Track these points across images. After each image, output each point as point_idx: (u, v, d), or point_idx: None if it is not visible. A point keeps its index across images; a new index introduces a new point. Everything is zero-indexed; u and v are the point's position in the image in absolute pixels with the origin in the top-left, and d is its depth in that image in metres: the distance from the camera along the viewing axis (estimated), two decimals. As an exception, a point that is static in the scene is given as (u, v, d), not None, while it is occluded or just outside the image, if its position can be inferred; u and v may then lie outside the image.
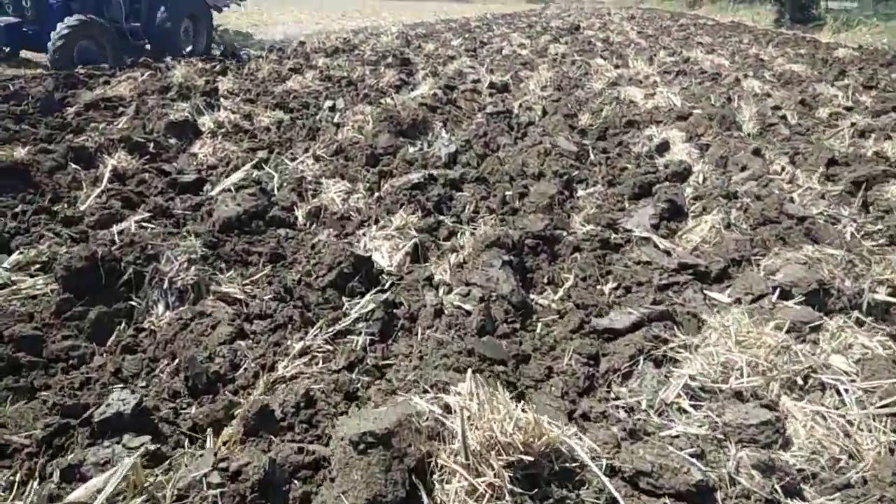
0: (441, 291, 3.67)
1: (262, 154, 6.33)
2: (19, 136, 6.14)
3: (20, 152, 5.62)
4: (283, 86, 10.04)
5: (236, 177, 5.27)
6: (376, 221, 4.61)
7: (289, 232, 4.60)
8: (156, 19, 12.57)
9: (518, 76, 12.32)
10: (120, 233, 4.20)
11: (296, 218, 4.86)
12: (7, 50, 11.29)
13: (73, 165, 5.32)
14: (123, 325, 3.35)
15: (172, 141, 6.41)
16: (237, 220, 4.42)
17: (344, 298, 3.55)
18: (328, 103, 8.59)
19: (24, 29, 11.04)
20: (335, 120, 7.88)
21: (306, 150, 6.61)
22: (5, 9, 11.19)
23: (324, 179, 5.50)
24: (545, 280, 4.09)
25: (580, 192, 5.61)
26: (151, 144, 6.00)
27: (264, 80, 10.63)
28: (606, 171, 6.13)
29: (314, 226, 4.81)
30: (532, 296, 3.93)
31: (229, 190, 5.18)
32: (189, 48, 13.52)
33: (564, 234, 4.65)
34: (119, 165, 5.38)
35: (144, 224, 4.37)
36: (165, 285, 3.53)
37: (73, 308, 3.27)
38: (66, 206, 4.83)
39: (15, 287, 3.43)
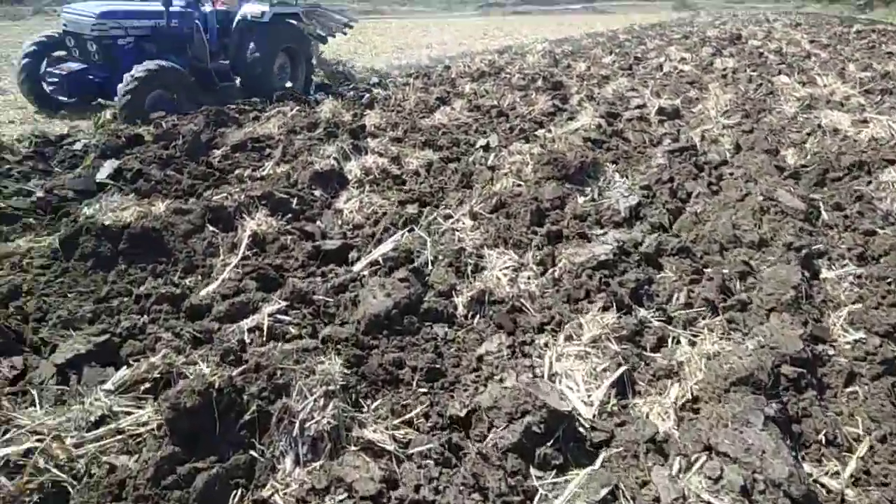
0: (676, 465, 2.43)
1: (411, 209, 5.40)
2: (162, 186, 5.64)
3: (159, 207, 5.07)
4: (430, 119, 9.19)
5: (384, 248, 4.34)
6: (559, 324, 3.45)
7: (448, 331, 3.56)
8: (245, 56, 10.38)
9: (688, 98, 10.71)
10: (251, 330, 3.37)
11: (455, 308, 3.82)
12: (71, 100, 9.18)
13: (211, 228, 4.65)
14: (240, 491, 2.45)
15: (317, 193, 5.65)
16: (386, 317, 3.45)
17: (532, 471, 2.43)
18: (481, 141, 7.57)
19: (90, 76, 9.07)
20: (490, 162, 6.83)
21: (461, 203, 5.61)
22: (72, 53, 9.34)
23: (485, 249, 4.43)
24: (821, 438, 2.73)
25: (825, 273, 4.12)
26: (295, 200, 5.25)
27: (412, 113, 9.86)
28: (852, 240, 4.57)
29: (477, 317, 3.75)
30: (805, 466, 2.59)
31: (377, 263, 4.27)
32: (287, 85, 11.34)
33: (830, 350, 3.25)
34: (259, 229, 4.64)
35: (280, 317, 3.52)
36: (296, 430, 2.59)
37: (176, 469, 2.40)
38: (199, 279, 4.12)
39: (113, 426, 2.64)
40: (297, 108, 9.15)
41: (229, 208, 4.80)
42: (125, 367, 2.93)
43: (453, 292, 3.94)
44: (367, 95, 10.82)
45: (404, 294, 3.60)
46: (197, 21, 9.95)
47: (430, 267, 4.27)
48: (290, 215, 5.05)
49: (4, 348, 3.20)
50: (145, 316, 3.46)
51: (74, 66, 9.10)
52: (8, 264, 4.02)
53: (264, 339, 3.34)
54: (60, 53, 9.38)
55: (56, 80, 8.96)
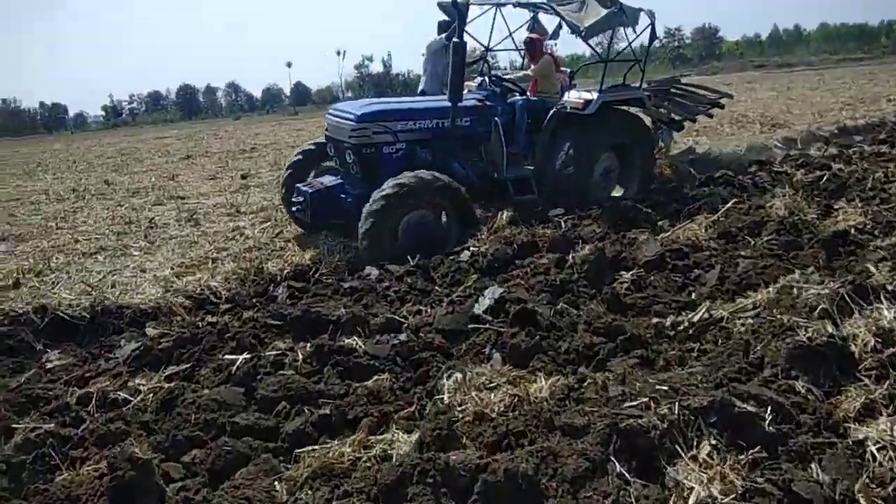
0: None
1: None
2: (548, 343, 3.82)
3: (540, 387, 3.23)
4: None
5: None
6: None
7: None
8: (555, 160, 7.27)
9: None
10: None
11: None
12: (315, 223, 6.94)
13: (618, 468, 2.54)
14: None
15: (800, 387, 3.07)
16: None
17: None
18: None
19: (343, 195, 6.72)
20: None
21: None
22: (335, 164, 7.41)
23: None
24: None
25: None
26: (767, 412, 2.79)
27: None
28: None
29: None
30: None
31: None
32: (615, 194, 7.81)
33: None
34: (710, 490, 2.35)
35: None
36: None
37: None
38: None
39: None
40: (734, 199, 6.63)
41: (651, 433, 2.62)
42: None
43: None
44: (827, 174, 7.63)
45: None
46: (496, 118, 7.33)
47: None
48: (761, 449, 2.62)
49: None
50: None
51: (327, 181, 6.92)
52: (324, 488, 2.57)
53: None
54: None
55: (301, 198, 6.78)
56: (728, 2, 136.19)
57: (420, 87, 8.87)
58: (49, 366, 4.17)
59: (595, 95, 7.30)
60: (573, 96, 7.49)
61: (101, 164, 18.64)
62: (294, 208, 7.12)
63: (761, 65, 46.22)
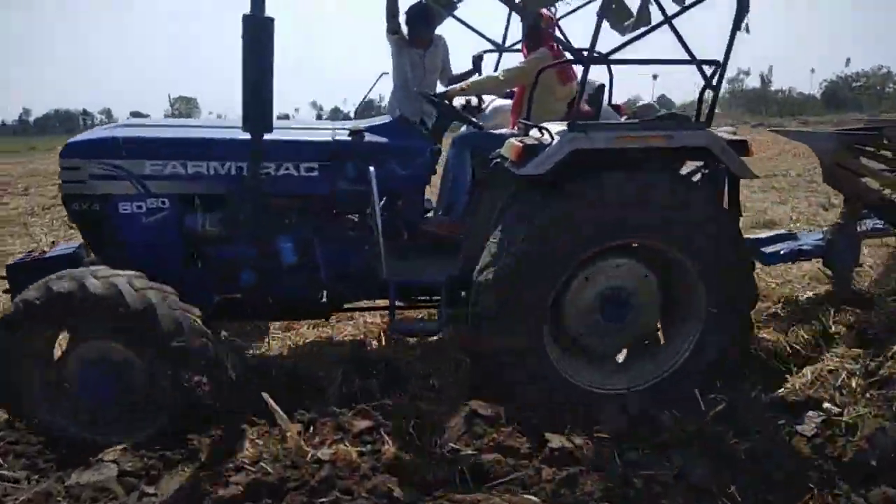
0: None
1: None
2: None
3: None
4: None
5: None
6: None
7: None
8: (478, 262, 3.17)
9: None
10: None
11: None
12: None
13: None
14: None
15: None
16: None
17: None
18: None
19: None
20: None
21: None
22: None
23: None
24: None
25: None
26: None
27: None
28: None
29: None
30: None
31: None
32: (622, 355, 3.42)
33: None
34: None
35: None
36: None
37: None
38: None
39: None
40: None
41: None
42: None
43: None
44: None
45: None
46: (372, 168, 3.41)
47: None
48: None
49: None
50: None
51: (56, 249, 3.72)
52: None
53: None
54: None
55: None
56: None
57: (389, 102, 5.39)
58: None
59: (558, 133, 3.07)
60: (532, 134, 3.24)
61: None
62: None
63: None
